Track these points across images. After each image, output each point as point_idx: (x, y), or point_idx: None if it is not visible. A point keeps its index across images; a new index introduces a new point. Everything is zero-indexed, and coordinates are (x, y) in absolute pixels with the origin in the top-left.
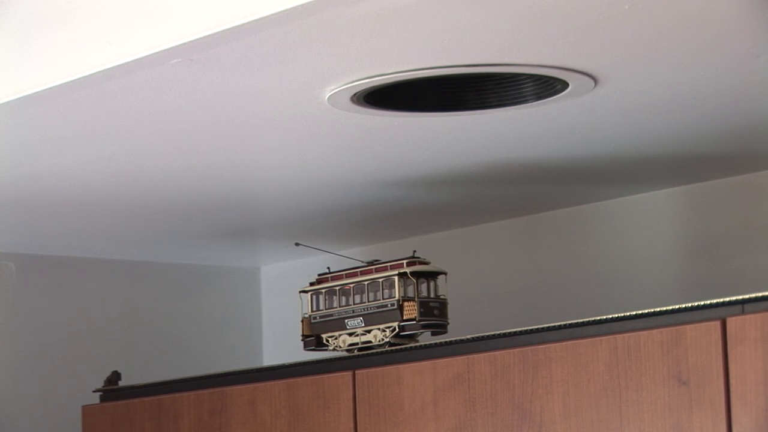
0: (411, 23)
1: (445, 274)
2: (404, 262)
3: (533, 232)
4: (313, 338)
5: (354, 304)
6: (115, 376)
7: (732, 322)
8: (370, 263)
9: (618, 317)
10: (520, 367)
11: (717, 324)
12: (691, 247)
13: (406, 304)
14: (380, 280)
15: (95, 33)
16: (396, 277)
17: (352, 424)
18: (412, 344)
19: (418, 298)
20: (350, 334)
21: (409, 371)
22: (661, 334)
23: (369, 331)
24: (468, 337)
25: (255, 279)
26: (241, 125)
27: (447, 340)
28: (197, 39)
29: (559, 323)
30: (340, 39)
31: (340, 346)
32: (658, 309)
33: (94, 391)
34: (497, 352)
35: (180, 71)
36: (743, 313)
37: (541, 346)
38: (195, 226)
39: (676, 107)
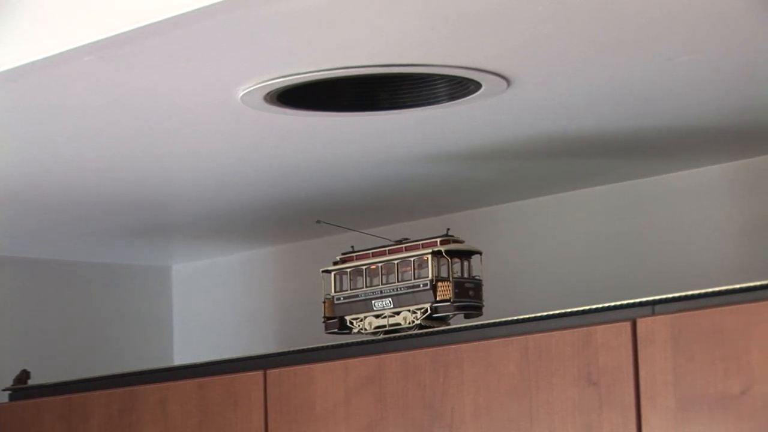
0: (325, 23)
1: (480, 253)
2: (438, 240)
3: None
4: (336, 320)
5: (382, 284)
6: (25, 375)
7: (642, 323)
8: (399, 242)
9: (529, 318)
10: (431, 367)
11: (627, 325)
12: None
13: (439, 284)
14: (412, 258)
15: (5, 30)
16: (429, 256)
17: (262, 424)
18: (325, 344)
19: (452, 278)
20: (377, 316)
21: (320, 371)
22: (571, 335)
23: (398, 313)
24: (379, 337)
25: (166, 278)
26: (154, 123)
27: (358, 340)
28: (110, 37)
29: (469, 323)
30: (253, 38)
31: (365, 329)
32: (568, 309)
33: (2, 390)
34: (408, 352)
35: (93, 69)
36: (654, 314)
37: (452, 346)
38: (106, 224)
39: (589, 108)
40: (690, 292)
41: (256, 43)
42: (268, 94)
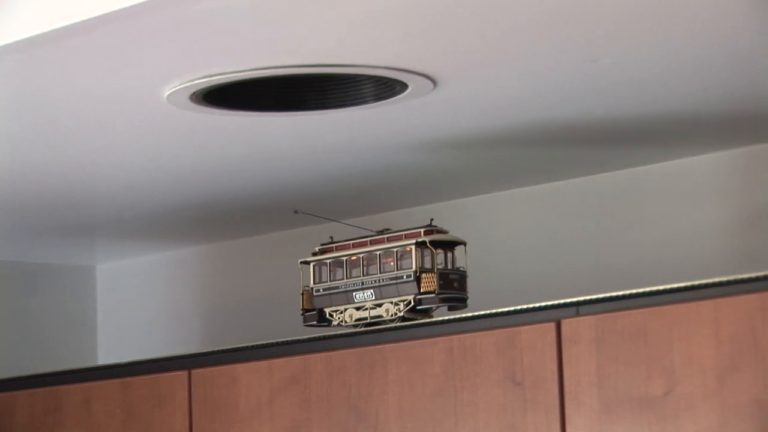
0: (251, 23)
1: (465, 244)
2: (421, 230)
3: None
4: (314, 313)
5: (364, 275)
6: None
7: (566, 324)
8: (381, 232)
9: (454, 318)
10: (357, 368)
11: (551, 325)
12: None
13: (423, 275)
14: (395, 249)
15: None
16: (413, 247)
17: (187, 424)
18: (250, 344)
19: (437, 269)
20: (358, 308)
21: (245, 371)
22: (496, 335)
23: (380, 305)
24: (305, 337)
25: (90, 277)
26: (80, 122)
27: (284, 339)
28: (35, 36)
29: (396, 324)
30: (179, 38)
31: (345, 321)
32: (493, 310)
33: None
34: (334, 352)
35: (18, 67)
36: (578, 314)
37: (377, 347)
38: (30, 223)
39: (515, 109)
40: (614, 293)
41: (181, 42)
42: (193, 93)
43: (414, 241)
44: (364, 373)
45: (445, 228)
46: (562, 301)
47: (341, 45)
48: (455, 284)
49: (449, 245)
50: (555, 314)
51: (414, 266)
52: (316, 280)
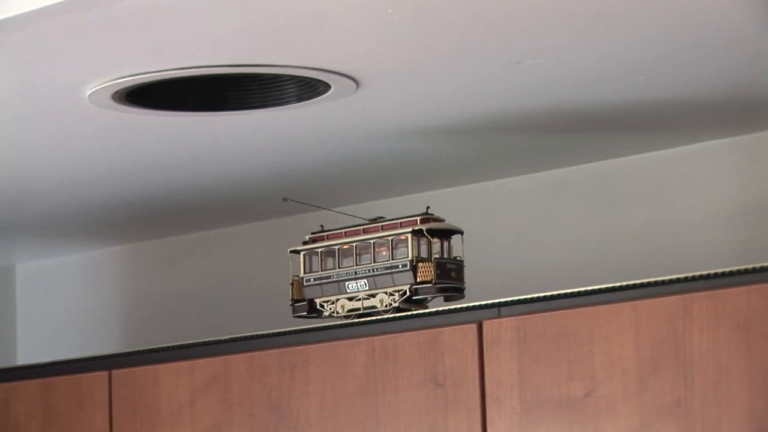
0: (173, 23)
1: (462, 233)
2: (417, 218)
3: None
4: (304, 303)
5: (357, 264)
6: None
7: (488, 325)
8: (374, 220)
9: (376, 319)
10: (278, 368)
11: (473, 327)
12: None
13: (420, 264)
14: (390, 238)
15: None
16: (409, 235)
17: (107, 424)
18: (171, 344)
19: (434, 258)
20: (350, 299)
21: (166, 371)
22: (418, 337)
23: (373, 295)
24: (226, 337)
25: (9, 277)
26: (1, 121)
27: (205, 340)
28: None
29: (317, 324)
30: (100, 37)
31: (337, 312)
32: (415, 312)
33: None
34: (255, 353)
35: None
36: (499, 316)
37: (299, 347)
38: None
39: (437, 111)
40: (535, 295)
41: (103, 42)
42: (115, 93)
43: (410, 229)
44: (286, 374)
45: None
46: (483, 303)
47: (263, 45)
48: (452, 274)
49: (446, 234)
50: (476, 315)
51: (410, 255)
52: (307, 270)
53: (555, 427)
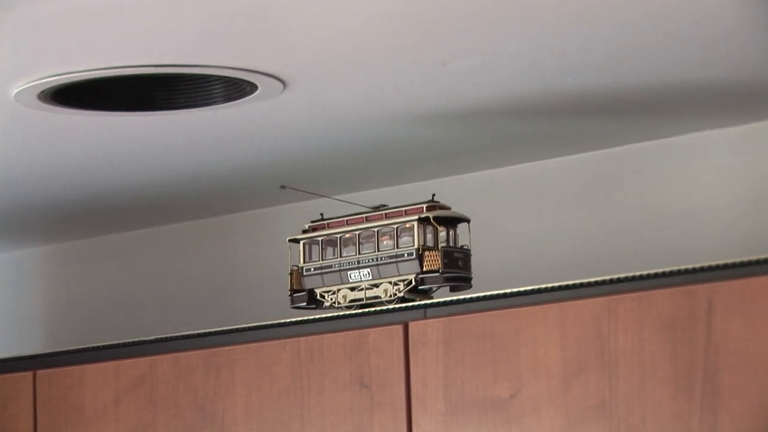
0: (100, 22)
1: (468, 221)
2: (423, 206)
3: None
4: (304, 294)
5: (360, 253)
6: None
7: (414, 327)
8: (377, 208)
9: (302, 320)
10: (204, 369)
11: (399, 328)
12: None
13: (426, 253)
14: (395, 226)
15: None
16: (415, 223)
17: (31, 424)
18: (95, 344)
19: (440, 247)
20: (353, 289)
21: (91, 372)
22: (344, 337)
23: (377, 285)
24: (151, 338)
25: None
26: None
27: (130, 340)
28: None
29: (243, 325)
30: (26, 36)
31: (339, 302)
32: (342, 313)
33: None
34: (180, 354)
35: None
36: (425, 317)
37: (225, 348)
38: None
39: (365, 113)
40: (461, 296)
41: (29, 41)
42: (42, 92)
43: (416, 217)
44: (211, 375)
45: None
46: (409, 304)
47: (190, 45)
48: (459, 263)
49: (452, 222)
50: (403, 317)
51: (416, 243)
52: (307, 259)
53: (480, 428)
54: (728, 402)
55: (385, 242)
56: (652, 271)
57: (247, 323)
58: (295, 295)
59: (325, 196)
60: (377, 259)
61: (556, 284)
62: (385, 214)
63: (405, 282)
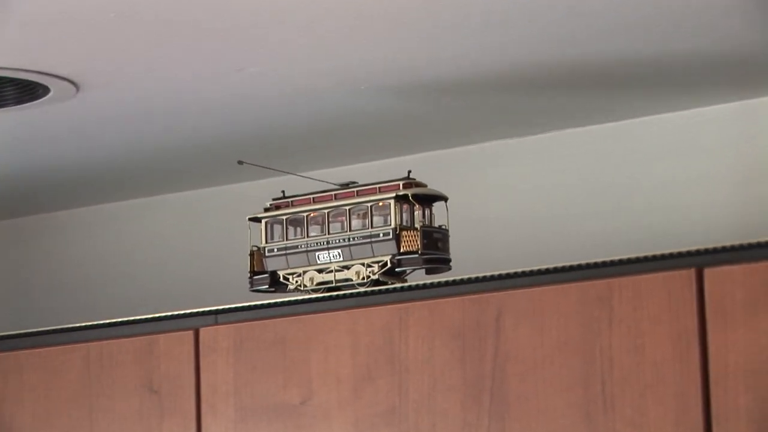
0: None
1: (446, 199)
2: (400, 183)
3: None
4: (266, 276)
5: (329, 233)
6: None
7: (205, 333)
8: (346, 185)
9: (91, 325)
10: None
11: (190, 334)
12: None
13: (404, 233)
14: (369, 204)
15: None
16: (392, 201)
17: None
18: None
19: (420, 227)
20: (321, 271)
21: None
22: (134, 343)
23: (348, 267)
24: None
25: None
26: None
27: None
28: None
29: (31, 330)
30: None
31: (305, 285)
32: (132, 318)
33: None
34: None
35: None
36: (217, 323)
37: (12, 353)
38: None
39: (161, 115)
40: (252, 303)
41: None
42: None
43: (393, 194)
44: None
45: None
46: (200, 310)
47: None
48: (439, 244)
49: (429, 200)
50: (194, 322)
51: (393, 223)
52: (269, 239)
53: None
54: (516, 409)
55: (356, 221)
56: (443, 279)
57: (36, 328)
58: (255, 277)
59: (288, 173)
60: (349, 239)
61: (348, 292)
62: (357, 191)
63: (380, 264)
